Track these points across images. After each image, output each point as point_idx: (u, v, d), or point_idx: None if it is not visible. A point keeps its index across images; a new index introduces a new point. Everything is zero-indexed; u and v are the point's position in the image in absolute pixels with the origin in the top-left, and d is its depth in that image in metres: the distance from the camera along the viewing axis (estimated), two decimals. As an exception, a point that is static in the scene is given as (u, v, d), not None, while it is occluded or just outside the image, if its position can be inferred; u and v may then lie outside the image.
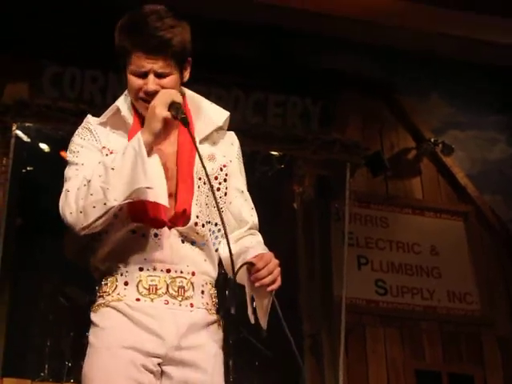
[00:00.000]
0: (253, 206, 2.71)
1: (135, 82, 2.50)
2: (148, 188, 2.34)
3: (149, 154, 2.36)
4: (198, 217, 2.49)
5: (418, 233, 7.66)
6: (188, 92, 2.69)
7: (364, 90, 7.86)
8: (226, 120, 2.68)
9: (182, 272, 2.46)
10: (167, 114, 2.40)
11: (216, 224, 2.56)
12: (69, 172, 2.50)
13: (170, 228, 2.47)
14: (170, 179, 2.47)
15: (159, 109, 2.40)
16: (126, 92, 2.64)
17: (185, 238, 2.49)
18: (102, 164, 2.38)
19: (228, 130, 2.75)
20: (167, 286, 2.43)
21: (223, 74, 7.07)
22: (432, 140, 7.70)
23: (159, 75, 2.48)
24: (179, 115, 2.40)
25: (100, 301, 2.48)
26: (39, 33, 6.87)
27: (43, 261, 6.75)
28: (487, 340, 7.34)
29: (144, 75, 2.49)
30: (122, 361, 2.36)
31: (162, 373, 2.42)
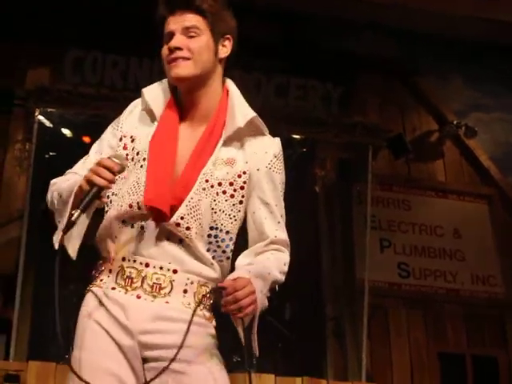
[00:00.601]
0: (280, 220, 2.56)
1: (164, 49, 2.47)
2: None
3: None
4: (182, 218, 2.38)
5: (441, 215, 7.64)
6: (231, 88, 2.62)
7: (385, 73, 7.83)
8: (249, 122, 2.53)
9: (161, 268, 2.38)
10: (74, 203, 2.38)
11: (228, 232, 2.46)
12: (89, 152, 2.59)
13: (156, 224, 2.41)
14: (176, 174, 2.43)
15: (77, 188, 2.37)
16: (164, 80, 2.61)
17: (171, 236, 2.41)
18: (65, 180, 2.50)
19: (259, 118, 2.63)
20: (142, 279, 2.38)
21: (244, 57, 7.06)
22: (455, 122, 7.66)
23: (187, 33, 2.45)
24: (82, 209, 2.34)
25: (90, 284, 2.51)
26: (60, 18, 6.88)
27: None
28: (511, 322, 7.31)
29: (171, 38, 2.45)
30: (99, 349, 2.38)
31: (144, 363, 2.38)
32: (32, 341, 6.10)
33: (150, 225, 2.41)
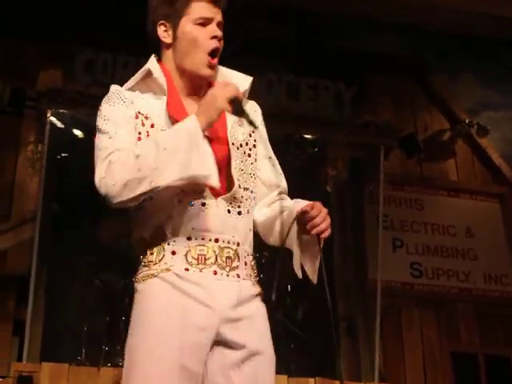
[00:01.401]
0: (281, 171, 2.69)
1: (199, 31, 2.48)
2: (206, 176, 2.32)
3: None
4: (239, 180, 2.49)
5: (453, 215, 7.62)
6: None
7: (396, 72, 7.82)
8: (250, 84, 2.64)
9: (229, 242, 2.44)
10: (228, 108, 2.36)
11: (252, 191, 2.56)
12: (102, 141, 2.44)
13: (216, 197, 2.45)
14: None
15: (221, 101, 2.35)
16: (152, 58, 2.61)
17: (231, 208, 2.47)
18: (154, 142, 2.34)
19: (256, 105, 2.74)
20: (216, 256, 2.41)
21: (255, 58, 7.06)
22: (466, 121, 7.64)
23: (219, 23, 2.51)
24: (239, 113, 2.38)
25: (145, 271, 2.44)
26: (72, 19, 6.90)
27: (79, 245, 6.79)
28: (524, 321, 7.30)
29: (206, 23, 2.48)
30: (168, 349, 2.32)
31: (214, 345, 2.39)
32: (45, 342, 6.12)
33: (211, 200, 2.44)
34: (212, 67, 2.53)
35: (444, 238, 7.51)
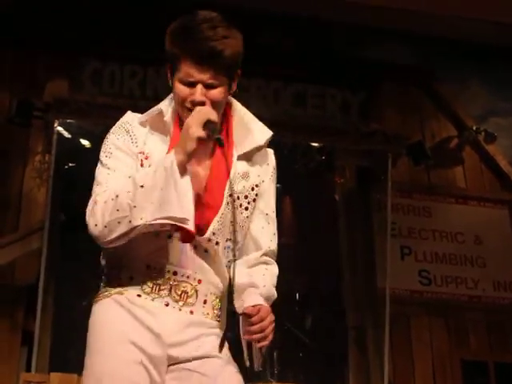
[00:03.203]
0: (275, 231, 2.65)
1: (182, 90, 2.44)
2: (181, 219, 2.30)
3: (182, 173, 2.32)
4: (214, 234, 2.45)
5: (462, 222, 7.59)
6: (235, 103, 2.63)
7: (403, 80, 7.82)
8: (267, 140, 2.61)
9: (188, 277, 2.43)
10: (202, 133, 2.33)
11: (238, 242, 2.53)
12: (100, 175, 2.48)
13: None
14: (198, 194, 2.43)
15: (194, 128, 2.33)
16: (170, 96, 2.58)
17: (198, 246, 2.44)
18: (132, 180, 2.35)
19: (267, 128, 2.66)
20: (171, 287, 2.42)
21: (262, 66, 7.06)
22: (474, 128, 7.63)
23: (207, 86, 2.42)
24: (214, 135, 2.35)
25: (102, 291, 2.49)
26: (77, 30, 6.92)
27: (87, 256, 6.78)
28: (534, 329, 7.27)
29: (192, 84, 2.43)
30: (120, 358, 2.35)
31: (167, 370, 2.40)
32: (53, 352, 6.11)
33: (177, 235, 2.41)
34: None
35: (452, 246, 7.49)
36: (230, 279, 2.50)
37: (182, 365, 2.39)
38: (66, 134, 6.75)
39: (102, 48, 6.99)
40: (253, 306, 2.38)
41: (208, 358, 2.41)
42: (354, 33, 7.51)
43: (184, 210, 2.29)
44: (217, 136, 2.36)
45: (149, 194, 2.29)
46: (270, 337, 2.37)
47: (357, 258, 7.16)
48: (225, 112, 2.56)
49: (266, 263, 2.60)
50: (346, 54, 7.54)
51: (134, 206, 2.29)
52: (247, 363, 2.44)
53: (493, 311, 7.29)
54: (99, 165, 2.50)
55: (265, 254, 2.60)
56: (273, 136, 2.61)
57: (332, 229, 7.42)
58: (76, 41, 6.97)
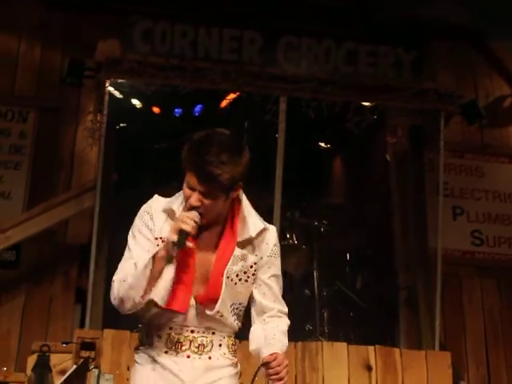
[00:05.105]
0: (278, 295, 3.18)
1: (186, 192, 2.94)
2: (156, 302, 2.95)
3: (159, 264, 2.89)
4: (218, 311, 3.00)
5: (515, 182, 7.53)
6: (244, 199, 3.11)
7: (457, 38, 7.71)
8: (259, 232, 3.08)
9: (203, 332, 3.05)
10: (174, 238, 2.82)
11: (243, 303, 3.12)
12: (125, 255, 3.07)
13: (196, 301, 3.01)
14: (205, 275, 3.00)
15: (170, 234, 2.85)
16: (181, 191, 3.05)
17: (209, 311, 3.00)
18: (134, 262, 2.95)
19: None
20: (190, 342, 3.04)
21: (314, 25, 7.00)
22: (529, 87, 7.52)
23: (204, 194, 2.88)
24: (181, 242, 2.80)
25: (139, 346, 3.13)
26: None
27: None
28: None
29: (193, 189, 2.90)
30: None
31: None
32: (106, 309, 6.20)
33: (193, 302, 3.02)
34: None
35: (505, 206, 7.44)
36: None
37: None
38: (118, 94, 6.77)
39: (153, 7, 6.99)
40: (270, 355, 2.96)
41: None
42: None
43: (156, 291, 2.94)
44: (182, 243, 2.81)
45: (138, 282, 2.90)
46: (286, 379, 2.95)
47: (408, 219, 7.12)
48: (233, 207, 3.06)
49: (278, 317, 3.16)
50: (399, 12, 7.43)
51: (132, 288, 2.91)
52: None
53: (545, 271, 7.24)
54: (128, 244, 3.09)
55: (270, 316, 3.15)
56: (264, 229, 3.10)
57: (384, 189, 7.39)
58: (127, 0, 6.98)
